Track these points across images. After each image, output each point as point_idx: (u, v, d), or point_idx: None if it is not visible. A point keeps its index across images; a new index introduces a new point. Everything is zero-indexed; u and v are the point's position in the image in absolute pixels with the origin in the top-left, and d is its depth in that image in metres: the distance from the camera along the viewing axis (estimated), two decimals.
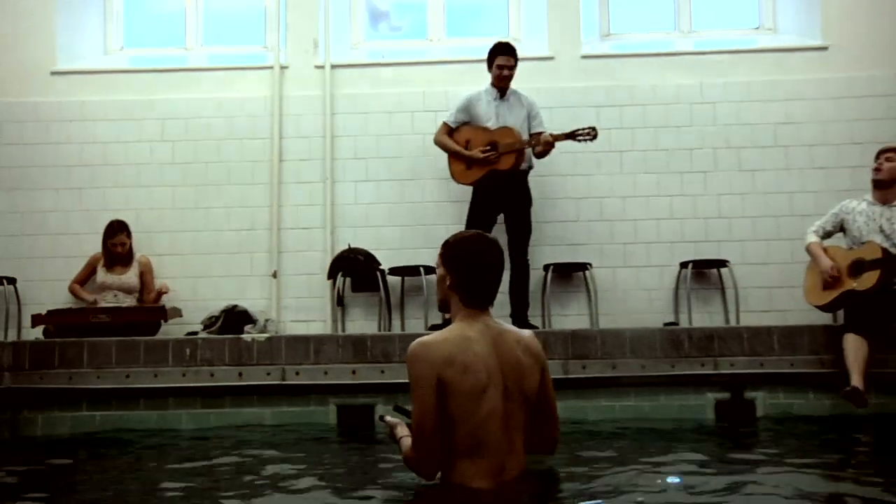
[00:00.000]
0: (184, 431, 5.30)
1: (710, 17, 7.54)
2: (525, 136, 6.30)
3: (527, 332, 3.04)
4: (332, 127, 7.13)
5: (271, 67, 7.24)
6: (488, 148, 6.28)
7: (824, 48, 7.11)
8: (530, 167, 6.45)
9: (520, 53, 6.51)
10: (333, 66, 7.21)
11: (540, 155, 6.34)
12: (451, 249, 2.98)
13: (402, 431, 3.05)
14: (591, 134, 6.19)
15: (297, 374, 5.50)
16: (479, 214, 6.31)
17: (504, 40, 6.54)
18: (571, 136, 6.21)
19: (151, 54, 7.61)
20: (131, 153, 7.17)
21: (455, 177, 6.50)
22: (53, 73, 7.28)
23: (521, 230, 6.28)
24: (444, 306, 3.05)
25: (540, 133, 6.29)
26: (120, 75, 7.36)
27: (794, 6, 7.35)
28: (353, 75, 7.26)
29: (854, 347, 5.22)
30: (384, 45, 7.60)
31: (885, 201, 5.63)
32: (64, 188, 7.14)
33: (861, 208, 5.69)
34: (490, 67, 6.43)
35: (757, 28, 7.49)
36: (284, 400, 5.49)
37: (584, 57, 7.18)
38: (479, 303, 2.94)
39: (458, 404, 2.76)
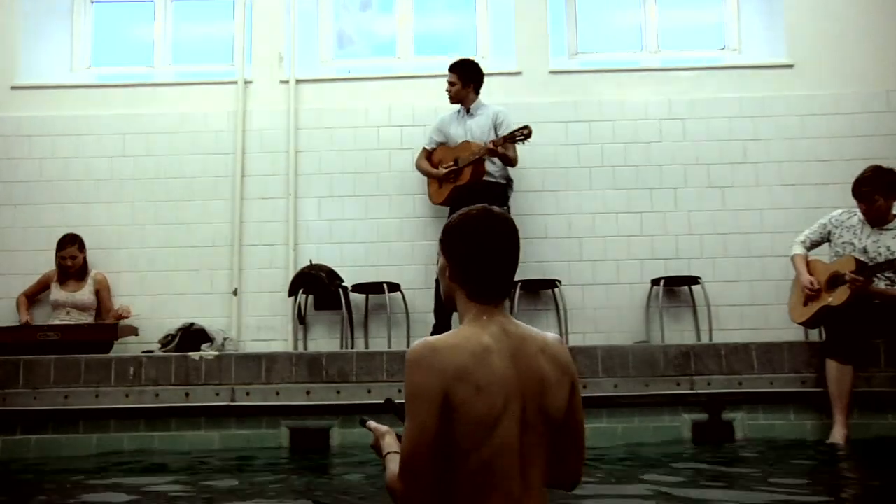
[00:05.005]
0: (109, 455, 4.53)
1: (675, 40, 6.87)
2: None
3: (552, 337, 2.15)
4: (297, 142, 6.35)
5: (235, 82, 6.47)
6: (451, 164, 5.68)
7: (789, 66, 6.45)
8: (509, 179, 5.79)
9: (488, 69, 5.95)
10: (298, 81, 6.45)
11: (504, 162, 5.68)
12: (451, 231, 2.13)
13: (392, 444, 2.14)
14: (525, 132, 5.46)
15: (248, 394, 4.70)
16: None
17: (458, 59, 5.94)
18: (510, 138, 5.50)
19: (118, 72, 6.82)
20: (92, 168, 6.37)
21: (430, 198, 5.94)
22: (14, 88, 6.50)
23: None
24: (449, 303, 2.17)
25: None
26: (81, 90, 6.57)
27: (759, 26, 6.70)
28: (318, 90, 6.49)
29: (837, 379, 4.56)
30: (351, 62, 6.87)
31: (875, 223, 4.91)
32: (23, 204, 6.33)
33: (851, 223, 4.95)
34: None
35: (722, 48, 6.82)
36: (234, 422, 4.70)
37: (553, 72, 6.46)
38: (489, 296, 2.07)
39: (465, 433, 1.93)
